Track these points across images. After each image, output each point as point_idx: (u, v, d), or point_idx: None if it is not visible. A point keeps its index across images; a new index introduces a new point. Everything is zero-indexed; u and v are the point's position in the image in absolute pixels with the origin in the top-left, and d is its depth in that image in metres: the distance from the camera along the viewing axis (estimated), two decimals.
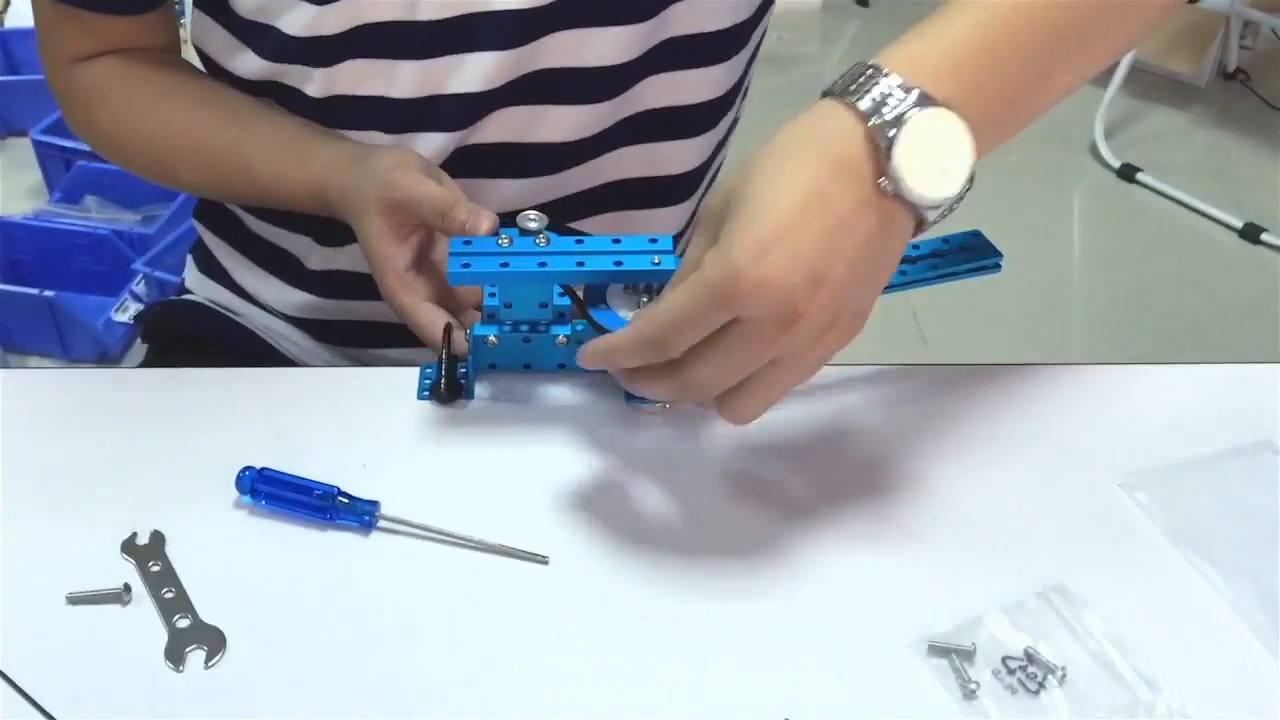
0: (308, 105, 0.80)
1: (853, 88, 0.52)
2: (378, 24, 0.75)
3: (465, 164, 0.81)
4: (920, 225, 0.54)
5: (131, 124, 0.82)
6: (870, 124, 0.51)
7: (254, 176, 0.79)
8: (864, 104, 0.51)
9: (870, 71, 0.52)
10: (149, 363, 0.94)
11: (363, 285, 0.77)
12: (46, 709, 0.55)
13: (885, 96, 0.51)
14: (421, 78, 0.77)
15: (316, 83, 0.78)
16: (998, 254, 0.74)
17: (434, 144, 0.79)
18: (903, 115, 0.51)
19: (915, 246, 0.74)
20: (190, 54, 0.87)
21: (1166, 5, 0.62)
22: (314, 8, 0.74)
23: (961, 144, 0.52)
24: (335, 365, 0.76)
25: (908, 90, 0.51)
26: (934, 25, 0.54)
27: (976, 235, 0.75)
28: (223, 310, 0.93)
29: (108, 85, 0.82)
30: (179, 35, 0.85)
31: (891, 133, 0.50)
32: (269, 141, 0.79)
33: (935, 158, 0.51)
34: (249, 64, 0.80)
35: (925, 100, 0.51)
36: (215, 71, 0.84)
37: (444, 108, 0.78)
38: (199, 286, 0.96)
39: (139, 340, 0.99)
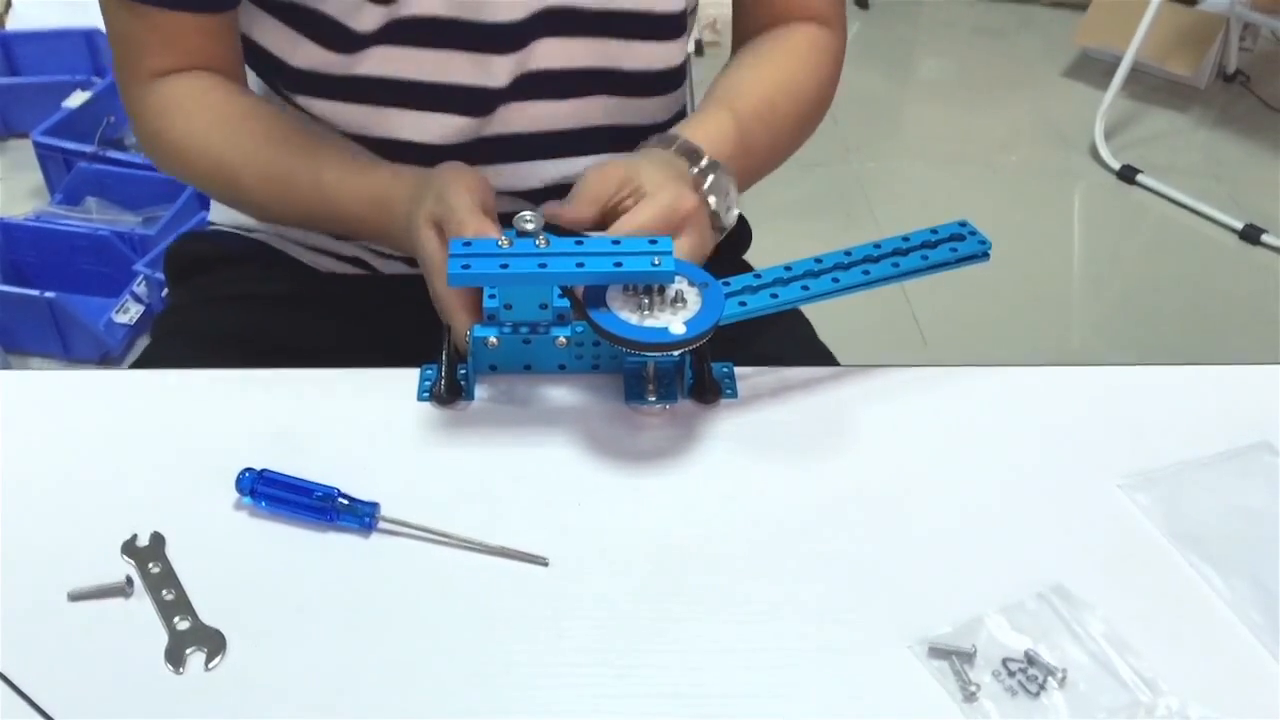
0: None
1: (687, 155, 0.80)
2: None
3: (486, 152, 0.88)
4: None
5: (202, 134, 0.85)
6: (692, 170, 0.80)
7: (320, 184, 0.82)
8: (694, 168, 0.80)
9: (693, 150, 0.80)
10: (174, 304, 0.98)
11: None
12: (47, 711, 0.55)
13: (705, 166, 0.80)
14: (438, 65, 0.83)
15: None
16: (985, 242, 0.75)
17: (451, 127, 0.86)
18: (714, 176, 0.80)
19: (906, 239, 0.75)
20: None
21: (813, 126, 0.94)
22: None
23: (734, 191, 0.82)
24: (337, 367, 0.76)
25: (713, 162, 0.80)
26: (713, 132, 0.83)
27: (964, 225, 0.76)
28: (241, 232, 0.97)
29: (184, 98, 0.85)
30: (243, 58, 0.88)
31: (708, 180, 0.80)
32: (338, 153, 0.84)
33: (725, 199, 0.80)
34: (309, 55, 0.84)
35: (715, 163, 0.80)
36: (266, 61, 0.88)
37: (457, 96, 0.85)
38: (221, 216, 1.00)
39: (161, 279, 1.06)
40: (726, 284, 0.72)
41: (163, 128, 0.86)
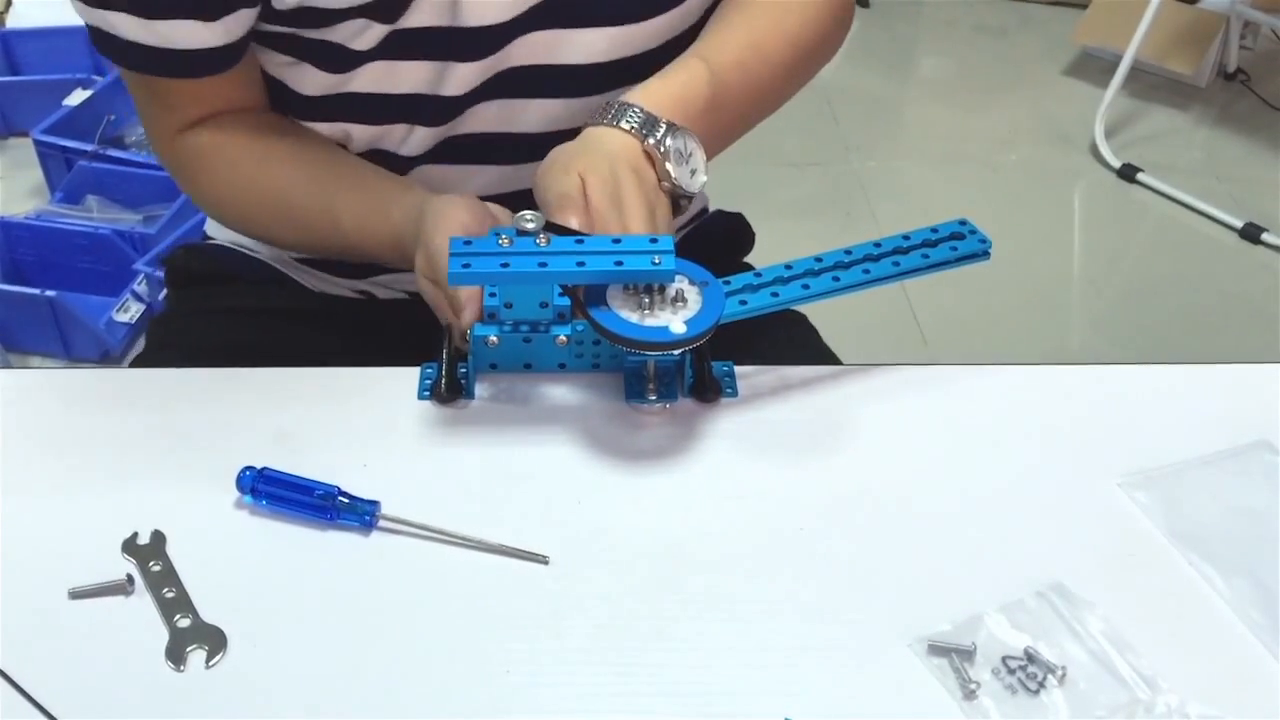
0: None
1: (640, 128, 0.75)
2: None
3: (450, 153, 0.86)
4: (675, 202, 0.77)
5: (230, 190, 0.86)
6: (646, 142, 0.75)
7: (342, 233, 0.83)
8: (640, 132, 0.75)
9: (637, 110, 0.76)
10: (169, 311, 0.98)
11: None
12: (47, 709, 0.56)
13: (662, 134, 0.75)
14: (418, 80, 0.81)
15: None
16: (986, 241, 0.75)
17: (419, 136, 0.85)
18: (671, 142, 0.75)
19: (906, 238, 0.75)
20: None
21: (812, 72, 0.90)
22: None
23: (699, 154, 0.78)
24: (337, 366, 0.77)
25: (667, 123, 0.76)
26: (682, 88, 0.79)
27: (964, 223, 0.76)
28: (242, 249, 0.97)
29: (207, 154, 0.85)
30: (264, 87, 0.87)
31: (662, 149, 0.75)
32: (354, 200, 0.83)
33: (685, 164, 0.76)
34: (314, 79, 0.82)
35: (675, 128, 0.76)
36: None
37: (427, 106, 0.83)
38: (220, 231, 0.99)
39: (162, 286, 1.04)
40: (727, 283, 0.72)
41: (194, 183, 0.88)
